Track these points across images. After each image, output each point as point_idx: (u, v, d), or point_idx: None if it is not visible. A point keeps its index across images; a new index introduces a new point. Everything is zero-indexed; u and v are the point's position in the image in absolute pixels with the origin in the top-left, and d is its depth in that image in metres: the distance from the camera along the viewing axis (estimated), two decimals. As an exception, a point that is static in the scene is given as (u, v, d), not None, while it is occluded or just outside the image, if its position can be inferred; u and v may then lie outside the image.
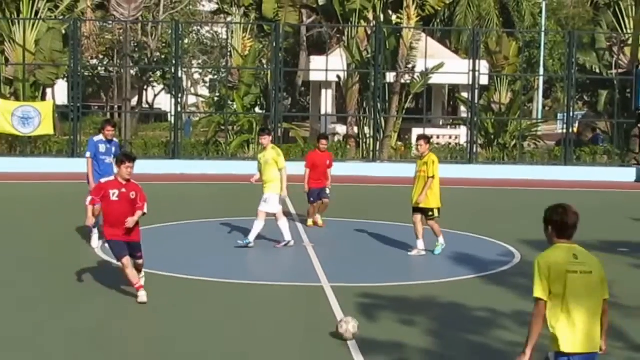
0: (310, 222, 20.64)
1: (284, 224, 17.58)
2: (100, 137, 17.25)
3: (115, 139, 17.59)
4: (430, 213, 16.81)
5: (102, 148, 17.03)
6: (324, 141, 21.40)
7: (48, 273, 15.09)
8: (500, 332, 11.78)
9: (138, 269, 12.68)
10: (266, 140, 17.98)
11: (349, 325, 10.79)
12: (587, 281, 7.20)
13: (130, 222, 12.26)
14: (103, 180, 12.48)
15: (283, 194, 17.53)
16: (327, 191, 20.67)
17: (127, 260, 12.22)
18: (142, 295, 12.41)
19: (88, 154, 17.14)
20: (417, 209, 16.84)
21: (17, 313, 12.27)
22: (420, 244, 16.97)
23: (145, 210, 12.58)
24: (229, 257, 17.04)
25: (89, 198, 12.40)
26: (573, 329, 7.21)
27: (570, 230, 7.41)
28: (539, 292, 7.22)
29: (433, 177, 16.62)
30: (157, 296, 12.90)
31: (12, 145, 34.70)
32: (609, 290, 7.38)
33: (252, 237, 17.28)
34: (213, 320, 12.22)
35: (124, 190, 12.10)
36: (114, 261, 13.69)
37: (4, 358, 10.18)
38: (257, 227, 17.28)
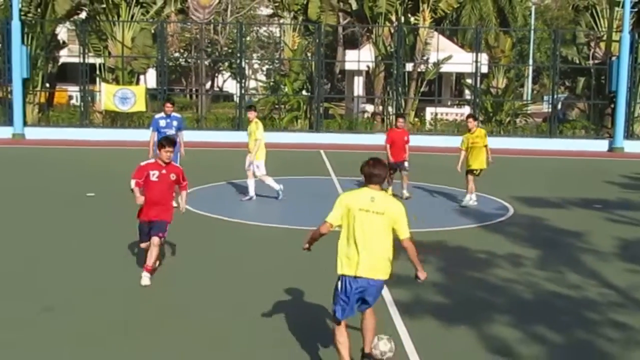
0: (389, 191, 17.77)
1: (268, 180, 17.44)
2: (162, 114, 16.72)
3: (175, 114, 16.83)
4: (477, 172, 17.56)
5: (163, 123, 16.41)
6: (400, 119, 19.32)
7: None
8: (496, 270, 11.66)
9: (154, 243, 10.50)
10: (252, 115, 17.24)
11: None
12: (376, 220, 7.04)
13: (183, 206, 11.10)
14: (143, 163, 10.72)
15: (251, 158, 17.08)
16: (406, 164, 18.61)
17: (145, 245, 10.69)
18: (145, 278, 10.40)
19: (151, 129, 16.62)
20: (470, 171, 17.45)
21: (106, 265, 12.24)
22: (474, 196, 17.47)
23: (188, 190, 11.44)
24: (286, 206, 17.01)
25: (133, 181, 10.62)
26: (353, 256, 7.06)
27: (374, 178, 7.20)
28: (330, 217, 7.22)
29: (486, 145, 17.68)
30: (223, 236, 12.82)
31: (114, 119, 34.93)
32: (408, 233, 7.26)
33: (252, 192, 17.29)
34: (276, 263, 12.14)
35: (164, 171, 10.53)
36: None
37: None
38: (252, 184, 17.25)
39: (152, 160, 10.83)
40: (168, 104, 16.65)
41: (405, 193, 18.24)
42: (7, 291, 10.05)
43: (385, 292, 10.10)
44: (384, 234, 7.13)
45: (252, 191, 17.30)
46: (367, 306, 7.30)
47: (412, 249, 7.29)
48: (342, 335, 7.20)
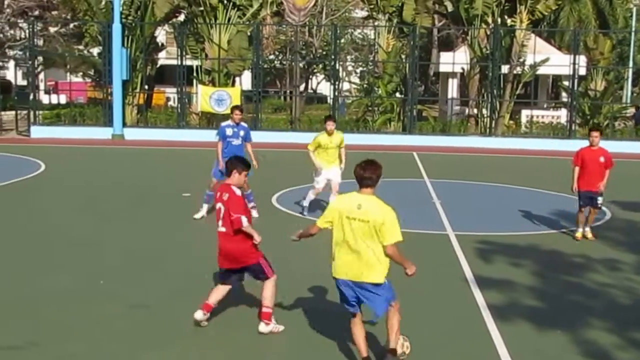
0: (579, 233, 14.09)
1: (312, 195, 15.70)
2: (229, 121, 15.46)
3: (243, 123, 15.56)
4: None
5: (230, 131, 15.19)
6: (594, 134, 13.79)
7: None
8: (592, 274, 11.44)
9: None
10: (333, 125, 15.31)
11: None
12: (362, 227, 7.12)
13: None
14: (239, 193, 8.54)
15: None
16: (600, 199, 13.90)
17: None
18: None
19: (217, 138, 15.40)
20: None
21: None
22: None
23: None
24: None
25: (245, 219, 8.28)
26: (338, 260, 7.29)
27: (364, 181, 7.24)
28: (320, 220, 7.51)
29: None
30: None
31: (210, 120, 35.48)
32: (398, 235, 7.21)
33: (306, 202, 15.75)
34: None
35: None
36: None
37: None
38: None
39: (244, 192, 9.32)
40: (237, 111, 15.50)
41: (589, 234, 14.11)
42: (111, 283, 10.40)
43: (478, 296, 10.07)
44: (370, 240, 7.19)
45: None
46: (373, 305, 7.42)
47: (396, 255, 7.34)
48: (355, 327, 7.52)
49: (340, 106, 40.45)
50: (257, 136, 32.31)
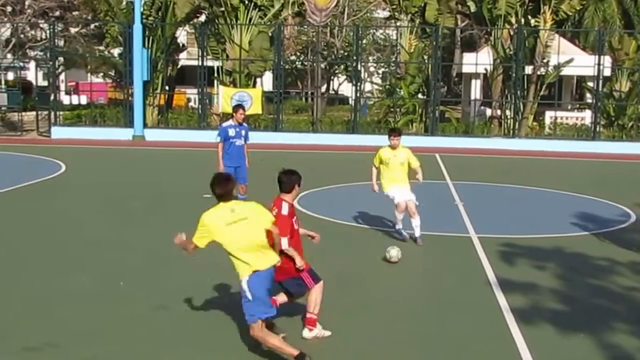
0: None
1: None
2: (230, 122, 15.10)
3: (245, 123, 15.24)
4: None
5: (232, 132, 14.87)
6: None
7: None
8: (617, 278, 11.37)
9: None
10: (398, 140, 13.48)
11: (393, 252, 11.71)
12: (244, 225, 7.58)
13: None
14: (285, 212, 8.28)
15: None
16: None
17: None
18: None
19: (218, 139, 15.02)
20: None
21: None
22: None
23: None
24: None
25: (285, 241, 8.16)
26: (247, 257, 7.55)
27: (223, 197, 7.69)
28: (195, 238, 7.80)
29: None
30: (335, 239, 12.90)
31: (230, 121, 35.57)
32: None
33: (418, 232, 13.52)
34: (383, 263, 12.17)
35: None
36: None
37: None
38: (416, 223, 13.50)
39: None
40: (241, 110, 15.12)
41: None
42: (131, 283, 10.45)
43: (501, 299, 10.03)
44: (255, 232, 7.66)
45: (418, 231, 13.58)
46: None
47: (277, 236, 7.94)
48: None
49: (362, 107, 40.43)
50: (278, 137, 32.95)
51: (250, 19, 35.26)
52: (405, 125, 35.38)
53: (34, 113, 37.65)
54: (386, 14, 52.35)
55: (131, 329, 8.73)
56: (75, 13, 46.12)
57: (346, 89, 63.04)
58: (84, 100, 43.66)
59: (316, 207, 16.43)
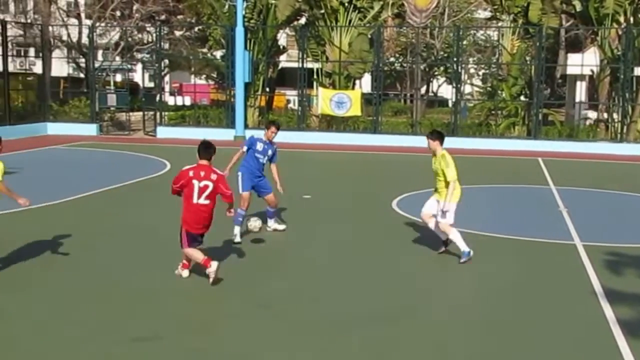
0: None
1: (454, 234, 12.25)
2: (262, 136, 13.95)
3: (274, 144, 14.00)
4: None
5: (260, 146, 13.76)
6: None
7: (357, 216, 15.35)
8: None
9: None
10: (438, 144, 12.88)
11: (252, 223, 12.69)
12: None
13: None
14: None
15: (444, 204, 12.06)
16: None
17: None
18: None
19: (243, 147, 13.90)
20: None
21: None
22: None
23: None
24: (496, 215, 16.68)
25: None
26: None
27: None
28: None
29: None
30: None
31: (330, 123, 35.77)
32: None
33: (463, 246, 12.13)
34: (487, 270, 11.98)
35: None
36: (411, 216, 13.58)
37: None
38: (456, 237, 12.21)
39: None
40: (273, 128, 13.92)
41: None
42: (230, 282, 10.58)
43: (607, 310, 9.71)
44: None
45: (462, 246, 12.18)
46: None
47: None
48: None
49: (462, 110, 40.00)
50: (377, 140, 32.93)
51: (350, 21, 35.37)
52: (506, 128, 34.89)
53: (140, 113, 38.78)
54: (487, 14, 51.66)
55: (235, 324, 8.91)
56: (180, 17, 47.24)
57: (446, 91, 62.60)
58: (187, 101, 44.69)
59: (415, 210, 16.26)
